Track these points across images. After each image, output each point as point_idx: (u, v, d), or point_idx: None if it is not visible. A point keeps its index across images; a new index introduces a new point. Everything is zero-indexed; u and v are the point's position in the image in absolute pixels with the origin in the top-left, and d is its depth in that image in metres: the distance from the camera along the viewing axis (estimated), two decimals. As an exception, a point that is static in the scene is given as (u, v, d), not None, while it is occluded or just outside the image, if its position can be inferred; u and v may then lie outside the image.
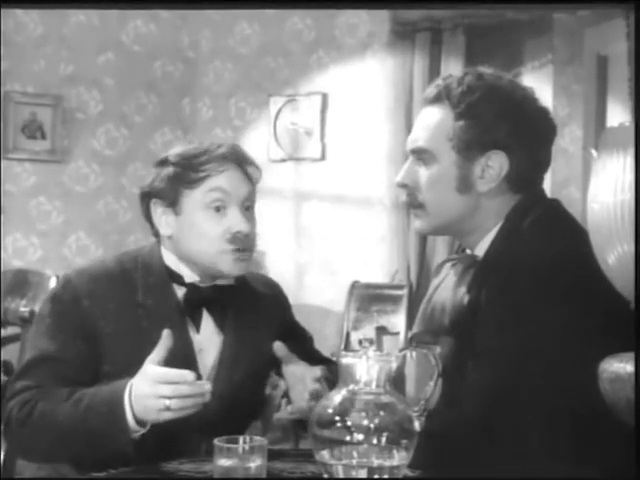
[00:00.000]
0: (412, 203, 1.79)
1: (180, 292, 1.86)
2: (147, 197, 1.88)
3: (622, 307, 1.18)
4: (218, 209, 1.82)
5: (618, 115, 3.77)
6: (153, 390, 1.60)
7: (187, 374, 1.60)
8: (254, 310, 1.92)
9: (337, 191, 4.79)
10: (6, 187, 4.68)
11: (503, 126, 1.71)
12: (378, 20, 4.63)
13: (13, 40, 4.70)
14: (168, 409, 1.59)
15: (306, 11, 4.82)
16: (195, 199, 1.83)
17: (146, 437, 1.65)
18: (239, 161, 1.87)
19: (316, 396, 1.68)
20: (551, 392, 1.56)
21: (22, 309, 3.41)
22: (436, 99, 1.76)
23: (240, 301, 1.90)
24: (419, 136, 1.77)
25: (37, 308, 3.44)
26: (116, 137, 5.01)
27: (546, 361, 1.56)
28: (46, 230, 4.83)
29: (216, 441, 1.43)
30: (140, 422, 1.64)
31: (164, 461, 1.63)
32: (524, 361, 1.58)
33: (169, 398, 1.58)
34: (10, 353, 3.39)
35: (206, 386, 1.61)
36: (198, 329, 1.86)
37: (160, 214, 1.86)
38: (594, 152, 1.20)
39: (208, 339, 1.87)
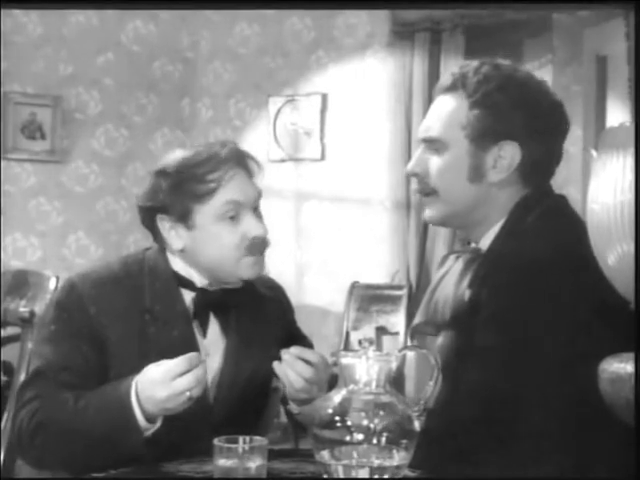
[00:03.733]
0: (423, 190, 1.78)
1: (187, 297, 1.84)
2: (151, 211, 1.82)
3: (623, 306, 1.18)
4: (232, 218, 1.79)
5: (618, 115, 3.77)
6: (170, 390, 1.59)
7: (191, 357, 1.61)
8: (258, 313, 1.90)
9: (337, 191, 4.79)
10: (6, 187, 4.69)
11: (517, 116, 1.71)
12: (377, 20, 4.64)
13: (12, 40, 4.70)
14: (191, 398, 1.60)
15: (305, 11, 4.83)
16: (208, 213, 1.78)
17: (150, 441, 1.65)
18: (241, 161, 1.83)
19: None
20: (551, 391, 1.56)
21: (22, 309, 3.40)
22: (451, 88, 1.75)
23: (245, 304, 1.88)
24: (432, 125, 1.76)
25: (37, 308, 3.45)
26: (116, 137, 5.01)
27: (545, 359, 1.56)
28: (46, 230, 4.83)
29: (216, 441, 1.43)
30: (150, 419, 1.64)
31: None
32: (523, 359, 1.57)
33: (189, 390, 1.59)
34: (10, 353, 3.39)
35: (201, 357, 1.63)
36: (205, 334, 1.84)
37: (169, 229, 1.81)
38: (594, 152, 1.20)
39: (214, 344, 1.84)
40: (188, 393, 1.59)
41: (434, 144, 1.75)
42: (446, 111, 1.75)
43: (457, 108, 1.73)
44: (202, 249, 1.80)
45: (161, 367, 1.62)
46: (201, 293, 1.84)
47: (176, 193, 1.78)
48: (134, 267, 1.85)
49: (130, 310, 1.79)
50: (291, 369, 1.70)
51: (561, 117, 1.77)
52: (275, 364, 1.71)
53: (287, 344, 1.85)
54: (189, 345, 1.77)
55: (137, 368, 1.67)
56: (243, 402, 1.83)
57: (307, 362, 1.71)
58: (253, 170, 1.85)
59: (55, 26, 4.82)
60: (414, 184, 1.82)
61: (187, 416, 1.64)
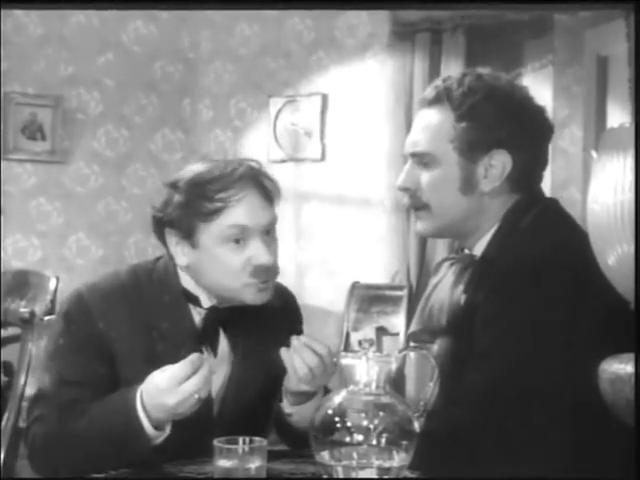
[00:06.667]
0: (415, 205, 1.79)
1: (196, 313, 1.80)
2: (160, 224, 1.78)
3: (621, 306, 1.18)
4: (238, 241, 1.73)
5: (618, 116, 3.77)
6: (179, 396, 1.57)
7: (193, 359, 1.60)
8: (266, 328, 1.84)
9: (337, 192, 4.79)
10: (6, 188, 4.68)
11: (505, 126, 1.72)
12: (378, 21, 4.64)
13: (13, 41, 4.70)
14: (200, 400, 1.59)
15: (306, 12, 4.82)
16: (212, 233, 1.73)
17: (155, 450, 1.64)
18: (257, 182, 1.77)
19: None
20: (550, 392, 1.56)
21: (22, 310, 3.40)
22: (435, 101, 1.76)
23: (254, 320, 1.82)
24: (419, 139, 1.77)
25: (37, 309, 3.44)
26: (116, 138, 5.01)
27: (544, 360, 1.56)
28: (46, 231, 4.83)
29: (216, 442, 1.43)
30: (158, 427, 1.62)
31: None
32: (520, 361, 1.58)
33: (196, 392, 1.58)
34: (10, 354, 3.39)
35: (204, 357, 1.62)
36: (215, 353, 1.80)
37: (175, 244, 1.77)
38: (594, 153, 1.20)
39: (221, 359, 1.81)
40: (196, 395, 1.58)
41: (423, 158, 1.76)
42: (432, 125, 1.75)
43: (443, 121, 1.74)
44: (205, 269, 1.76)
45: (165, 373, 1.60)
46: (210, 311, 1.80)
47: (184, 209, 1.73)
48: (143, 279, 1.81)
49: (138, 325, 1.75)
50: (298, 355, 1.68)
51: (545, 121, 1.79)
52: (283, 349, 1.69)
53: None
54: None
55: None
56: (247, 415, 1.80)
57: (315, 353, 1.68)
58: (269, 193, 1.79)
59: (56, 26, 4.82)
60: (405, 199, 1.82)
61: (190, 428, 1.63)
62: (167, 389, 1.59)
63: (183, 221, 1.74)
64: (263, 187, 1.78)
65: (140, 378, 1.67)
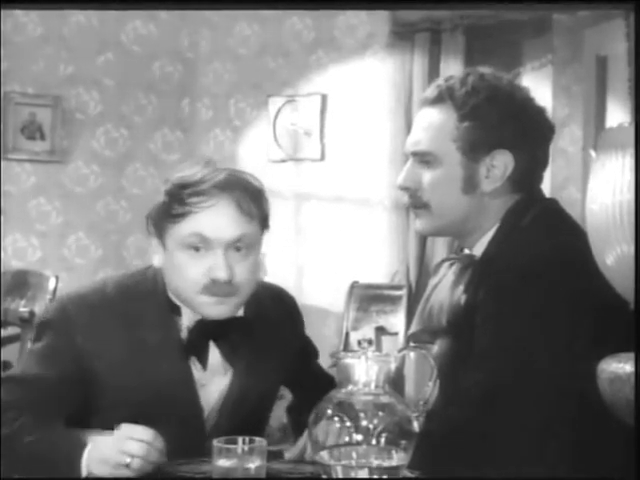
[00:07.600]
0: (415, 204, 1.79)
1: (184, 326, 1.75)
2: (147, 221, 1.76)
3: (620, 306, 1.19)
4: (198, 249, 1.68)
5: (618, 115, 3.77)
6: (120, 445, 1.52)
7: (152, 432, 1.54)
8: (266, 335, 1.80)
9: (336, 192, 4.79)
10: (6, 188, 4.68)
11: (507, 126, 1.72)
12: (378, 21, 4.64)
13: (13, 40, 4.70)
14: (127, 467, 1.51)
15: (305, 11, 4.82)
16: (174, 237, 1.69)
17: None
18: (235, 193, 1.68)
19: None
20: (549, 392, 1.56)
21: (22, 309, 3.41)
22: (437, 100, 1.76)
23: (250, 329, 1.78)
24: (421, 138, 1.76)
25: (37, 308, 3.45)
26: (116, 138, 5.01)
27: (543, 360, 1.57)
28: (46, 231, 4.83)
29: (215, 442, 1.42)
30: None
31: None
32: (520, 361, 1.58)
33: (133, 456, 1.51)
34: (10, 353, 3.40)
35: (159, 437, 1.55)
36: (205, 366, 1.75)
37: (152, 243, 1.76)
38: (593, 153, 1.20)
39: (213, 373, 1.76)
40: (129, 459, 1.51)
41: (424, 157, 1.75)
42: (434, 124, 1.75)
43: (446, 121, 1.74)
44: (169, 273, 1.74)
45: (125, 425, 1.56)
46: (198, 324, 1.75)
47: (160, 209, 1.72)
48: (132, 290, 1.78)
49: (122, 339, 1.72)
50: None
51: (546, 122, 1.80)
52: None
53: (295, 356, 1.84)
54: (182, 378, 1.73)
55: (127, 398, 1.63)
56: (243, 426, 1.72)
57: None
58: (252, 210, 1.70)
59: (55, 26, 4.82)
60: (406, 198, 1.81)
61: (182, 439, 1.60)
62: (115, 437, 1.54)
63: (158, 220, 1.72)
64: (240, 199, 1.69)
65: (121, 395, 1.66)
